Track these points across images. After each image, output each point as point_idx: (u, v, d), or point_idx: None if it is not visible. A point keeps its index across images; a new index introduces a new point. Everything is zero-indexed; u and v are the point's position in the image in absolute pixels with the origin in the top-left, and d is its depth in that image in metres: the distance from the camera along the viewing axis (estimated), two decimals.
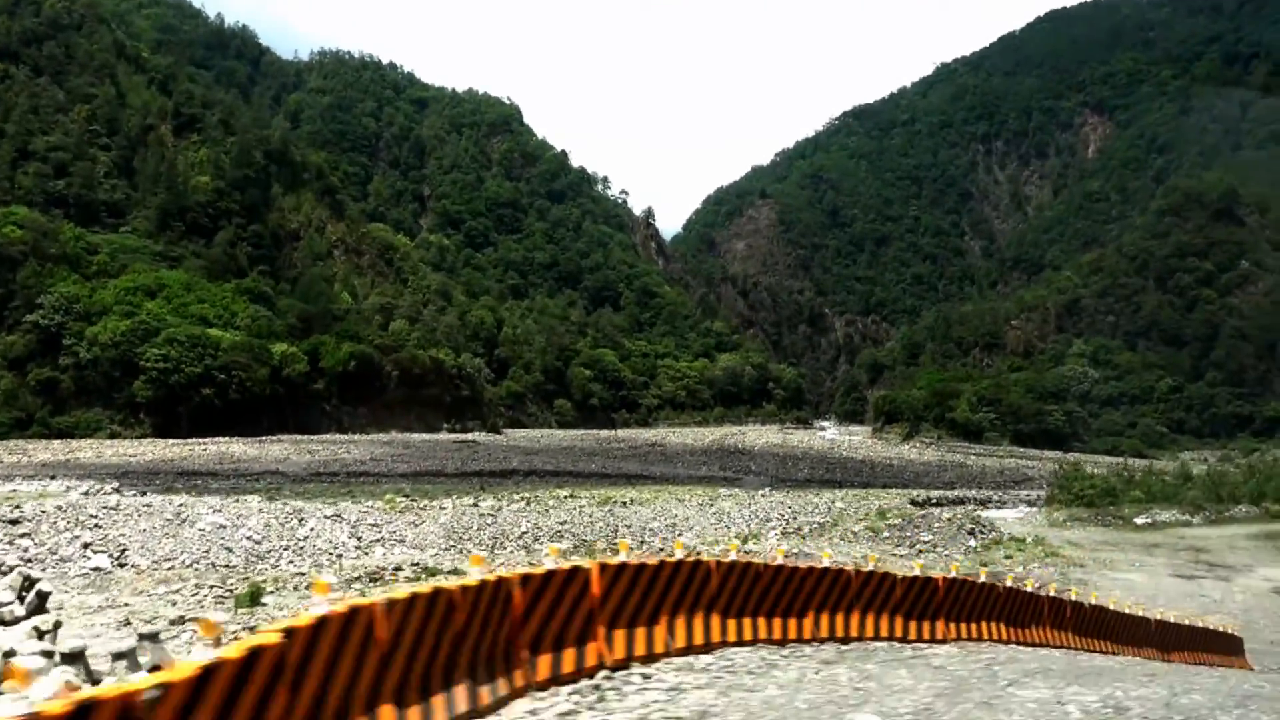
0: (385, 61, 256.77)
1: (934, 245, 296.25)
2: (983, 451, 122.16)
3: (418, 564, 21.03)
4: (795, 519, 34.02)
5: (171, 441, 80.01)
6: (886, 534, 25.77)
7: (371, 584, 18.13)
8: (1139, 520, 36.97)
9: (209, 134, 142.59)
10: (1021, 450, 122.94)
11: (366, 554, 24.49)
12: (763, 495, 52.70)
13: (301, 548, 24.54)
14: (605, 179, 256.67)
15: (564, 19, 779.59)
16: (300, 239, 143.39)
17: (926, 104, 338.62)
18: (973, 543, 24.84)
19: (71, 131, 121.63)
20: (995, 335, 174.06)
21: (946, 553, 23.93)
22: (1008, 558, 23.26)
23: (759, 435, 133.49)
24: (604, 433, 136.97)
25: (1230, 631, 13.57)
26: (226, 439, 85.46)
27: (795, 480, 71.26)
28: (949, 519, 26.90)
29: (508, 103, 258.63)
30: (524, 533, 29.82)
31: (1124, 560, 24.52)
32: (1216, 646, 13.29)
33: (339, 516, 28.24)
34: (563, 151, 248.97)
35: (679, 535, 29.94)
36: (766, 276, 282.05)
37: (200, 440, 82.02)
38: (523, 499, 42.20)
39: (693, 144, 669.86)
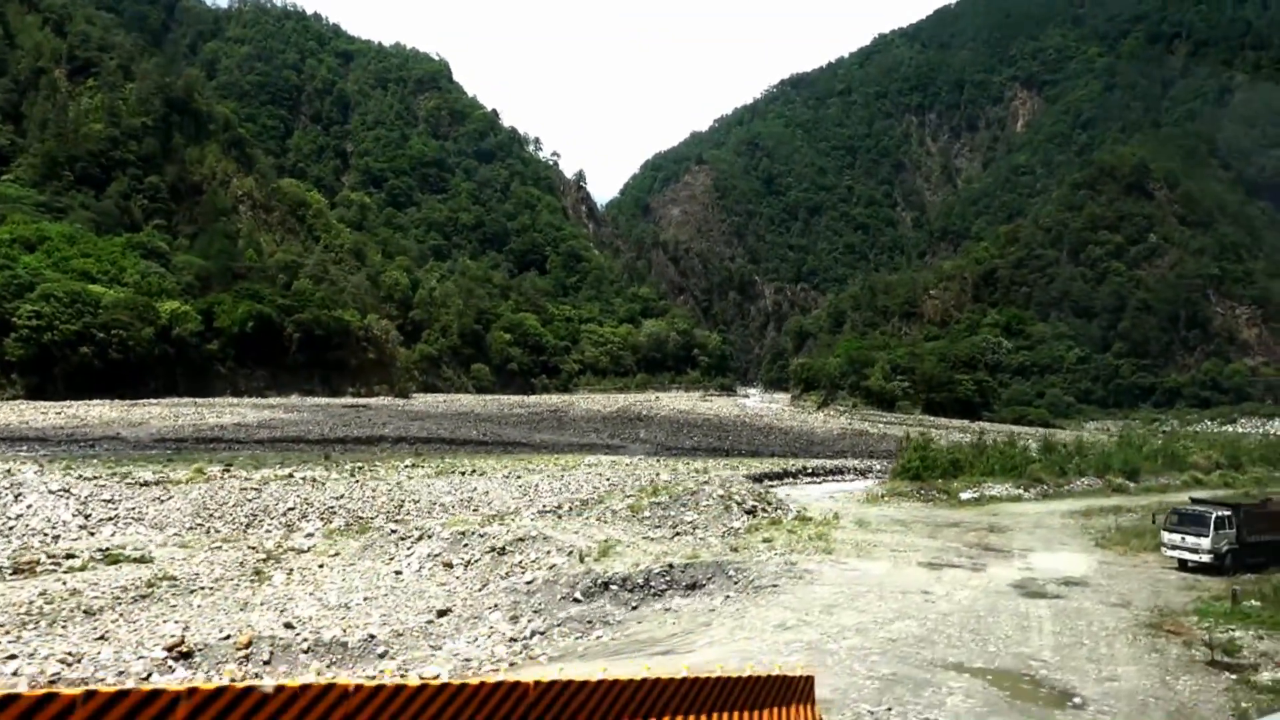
0: (309, 12, 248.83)
1: (866, 215, 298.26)
2: (892, 420, 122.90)
3: (105, 549, 19.20)
4: (610, 492, 32.78)
5: (29, 404, 76.09)
6: (648, 514, 24.41)
7: (15, 576, 16.27)
8: (965, 495, 36.50)
9: (106, 79, 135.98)
10: (931, 419, 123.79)
11: (92, 534, 22.58)
12: (628, 464, 51.62)
13: (11, 528, 22.47)
14: (537, 140, 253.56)
15: None
16: (203, 193, 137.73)
17: (863, 74, 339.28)
18: (738, 524, 23.58)
19: None
20: (915, 304, 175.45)
21: (704, 536, 22.80)
22: (766, 541, 22.13)
23: (672, 402, 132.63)
24: (511, 398, 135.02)
25: (791, 674, 9.65)
26: (100, 401, 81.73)
27: (681, 449, 70.29)
28: (723, 495, 25.61)
29: (436, 59, 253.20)
30: (290, 509, 28.01)
31: (890, 544, 23.48)
32: (718, 702, 8.45)
33: (67, 491, 26.05)
34: (493, 111, 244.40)
35: (474, 509, 28.46)
36: (700, 242, 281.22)
37: (67, 403, 78.19)
38: (351, 469, 40.29)
39: (635, 109, 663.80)
